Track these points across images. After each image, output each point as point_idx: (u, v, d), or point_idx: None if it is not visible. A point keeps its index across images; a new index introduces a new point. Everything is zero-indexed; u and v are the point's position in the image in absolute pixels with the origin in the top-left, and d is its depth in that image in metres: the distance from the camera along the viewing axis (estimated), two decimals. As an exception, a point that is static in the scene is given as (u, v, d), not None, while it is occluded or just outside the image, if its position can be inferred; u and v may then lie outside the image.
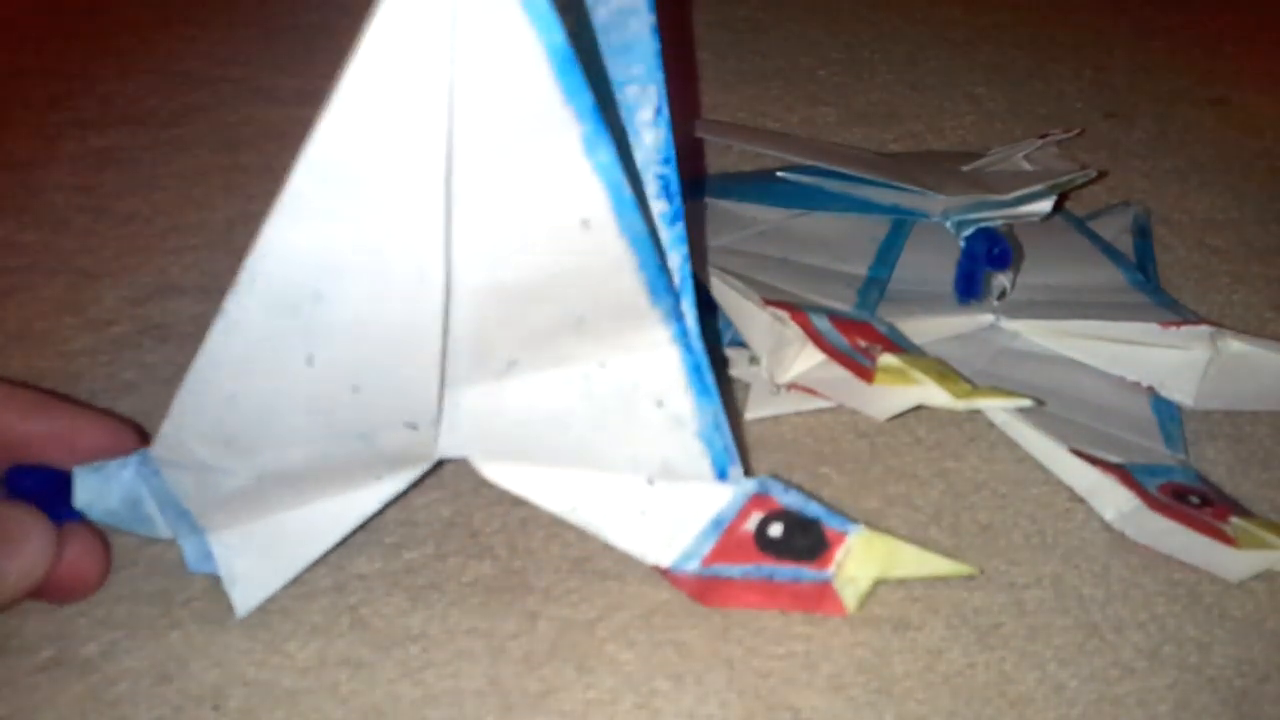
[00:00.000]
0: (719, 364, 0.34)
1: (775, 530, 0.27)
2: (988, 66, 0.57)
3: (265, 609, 0.28)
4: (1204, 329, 0.35)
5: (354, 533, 0.30)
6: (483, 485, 0.31)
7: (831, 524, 0.28)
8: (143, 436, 0.28)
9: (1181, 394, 0.35)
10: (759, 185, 0.42)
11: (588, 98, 0.20)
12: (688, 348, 0.26)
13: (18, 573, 0.25)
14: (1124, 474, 0.31)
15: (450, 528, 0.30)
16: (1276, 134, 0.53)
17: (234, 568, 0.27)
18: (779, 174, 0.42)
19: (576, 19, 0.25)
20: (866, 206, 0.40)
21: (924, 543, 0.30)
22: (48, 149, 0.46)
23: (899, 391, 0.31)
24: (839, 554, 0.28)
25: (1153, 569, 0.30)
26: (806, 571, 0.28)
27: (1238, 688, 0.27)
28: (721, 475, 0.27)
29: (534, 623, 0.28)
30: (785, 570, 0.28)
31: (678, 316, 0.25)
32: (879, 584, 0.28)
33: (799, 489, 0.28)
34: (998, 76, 0.56)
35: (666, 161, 0.27)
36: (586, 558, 0.29)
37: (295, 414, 0.24)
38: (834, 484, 0.32)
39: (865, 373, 0.31)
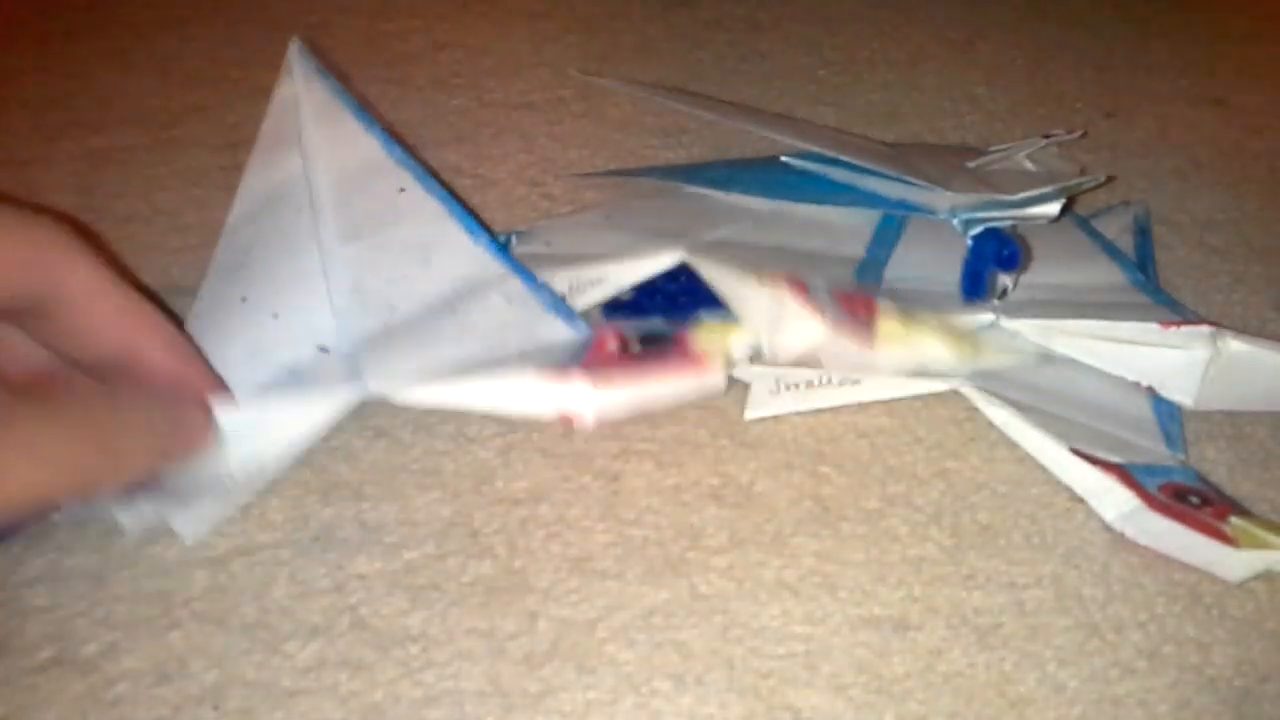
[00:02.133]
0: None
1: (636, 348, 0.34)
2: (988, 66, 0.57)
3: (265, 609, 0.28)
4: (1204, 329, 0.35)
5: (352, 530, 0.30)
6: (483, 484, 0.31)
7: (670, 326, 0.34)
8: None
9: (1181, 394, 0.35)
10: (763, 175, 0.42)
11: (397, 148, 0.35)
12: (508, 260, 0.35)
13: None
14: (1124, 474, 0.31)
15: (450, 528, 0.30)
16: (1276, 134, 0.53)
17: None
18: (783, 159, 0.42)
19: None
20: (873, 200, 0.40)
21: (924, 542, 0.30)
22: (47, 149, 0.46)
23: (902, 354, 0.31)
24: (690, 339, 0.34)
25: (1153, 569, 0.30)
26: (676, 356, 0.34)
27: (1238, 688, 0.27)
28: (573, 325, 0.34)
29: (534, 623, 0.28)
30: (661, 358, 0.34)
31: (500, 248, 0.35)
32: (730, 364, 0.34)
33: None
34: (998, 76, 0.56)
35: None
36: (586, 558, 0.29)
37: (233, 347, 0.32)
38: (834, 484, 0.32)
39: (867, 339, 0.31)
